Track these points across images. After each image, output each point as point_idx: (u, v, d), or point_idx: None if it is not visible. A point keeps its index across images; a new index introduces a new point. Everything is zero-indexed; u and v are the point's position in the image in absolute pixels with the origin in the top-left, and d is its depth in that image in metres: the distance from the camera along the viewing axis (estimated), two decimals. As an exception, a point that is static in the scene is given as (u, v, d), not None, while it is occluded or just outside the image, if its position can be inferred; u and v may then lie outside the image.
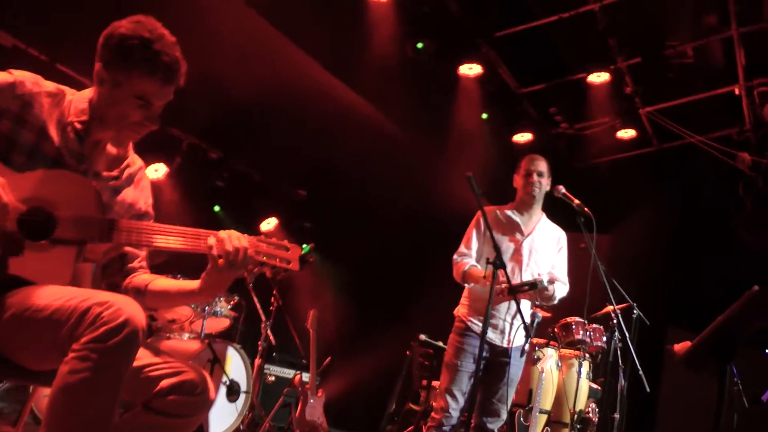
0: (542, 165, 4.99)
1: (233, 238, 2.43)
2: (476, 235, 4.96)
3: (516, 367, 4.85)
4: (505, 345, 4.81)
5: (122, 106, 2.45)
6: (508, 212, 5.03)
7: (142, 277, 2.68)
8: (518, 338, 4.85)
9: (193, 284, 2.56)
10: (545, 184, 4.99)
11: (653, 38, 7.76)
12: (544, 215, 5.12)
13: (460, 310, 4.99)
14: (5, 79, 2.39)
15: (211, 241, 2.44)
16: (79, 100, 2.54)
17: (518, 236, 4.96)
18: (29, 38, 5.84)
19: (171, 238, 2.48)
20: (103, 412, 2.09)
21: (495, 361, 4.81)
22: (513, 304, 4.68)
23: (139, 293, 2.60)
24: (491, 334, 4.76)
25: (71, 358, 2.07)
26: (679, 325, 8.68)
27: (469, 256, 4.90)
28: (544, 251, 5.01)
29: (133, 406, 2.34)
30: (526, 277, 4.86)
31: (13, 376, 2.47)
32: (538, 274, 4.70)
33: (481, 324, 4.71)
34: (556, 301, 4.86)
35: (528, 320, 4.78)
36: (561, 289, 4.89)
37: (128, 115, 2.46)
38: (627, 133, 9.19)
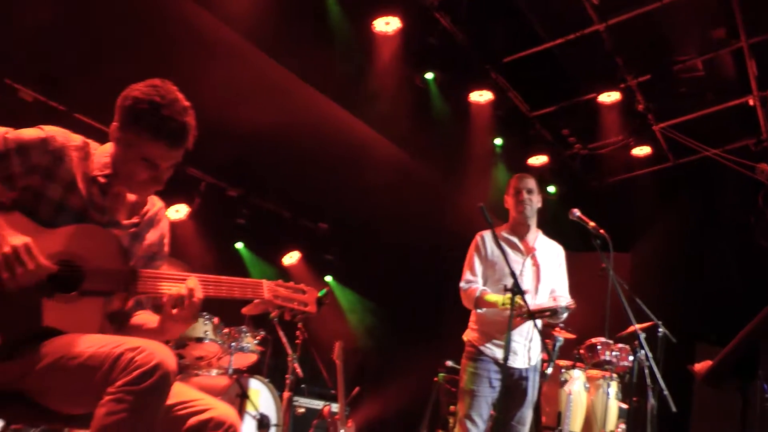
0: (531, 182, 4.99)
1: (195, 291, 2.53)
2: (478, 259, 4.95)
3: (533, 388, 4.84)
4: (522, 366, 4.81)
5: (132, 165, 2.56)
6: (505, 234, 5.02)
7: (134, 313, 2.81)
8: (534, 358, 4.86)
9: (154, 323, 2.68)
10: (536, 201, 4.98)
11: (661, 54, 7.80)
12: (540, 232, 5.10)
13: (470, 335, 4.96)
14: (37, 135, 2.48)
15: (173, 291, 2.54)
16: (101, 154, 2.64)
17: (519, 257, 4.96)
18: (47, 90, 6.00)
19: (164, 284, 2.58)
20: None
21: (512, 383, 4.79)
22: (528, 326, 4.75)
23: (121, 327, 2.72)
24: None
25: (107, 401, 2.18)
26: (707, 340, 8.63)
27: (476, 282, 4.90)
28: (547, 268, 5.00)
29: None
30: (540, 294, 4.90)
31: (47, 420, 2.58)
32: (554, 298, 4.69)
33: (493, 348, 4.78)
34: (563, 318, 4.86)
35: (547, 340, 4.78)
36: None
37: (137, 173, 2.57)
38: (642, 151, 9.20)
